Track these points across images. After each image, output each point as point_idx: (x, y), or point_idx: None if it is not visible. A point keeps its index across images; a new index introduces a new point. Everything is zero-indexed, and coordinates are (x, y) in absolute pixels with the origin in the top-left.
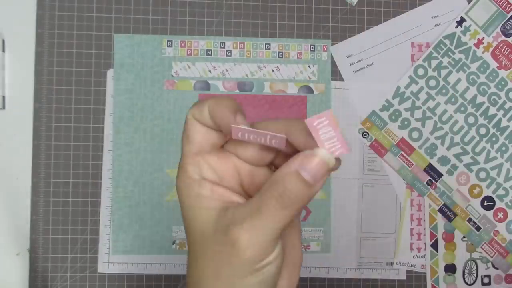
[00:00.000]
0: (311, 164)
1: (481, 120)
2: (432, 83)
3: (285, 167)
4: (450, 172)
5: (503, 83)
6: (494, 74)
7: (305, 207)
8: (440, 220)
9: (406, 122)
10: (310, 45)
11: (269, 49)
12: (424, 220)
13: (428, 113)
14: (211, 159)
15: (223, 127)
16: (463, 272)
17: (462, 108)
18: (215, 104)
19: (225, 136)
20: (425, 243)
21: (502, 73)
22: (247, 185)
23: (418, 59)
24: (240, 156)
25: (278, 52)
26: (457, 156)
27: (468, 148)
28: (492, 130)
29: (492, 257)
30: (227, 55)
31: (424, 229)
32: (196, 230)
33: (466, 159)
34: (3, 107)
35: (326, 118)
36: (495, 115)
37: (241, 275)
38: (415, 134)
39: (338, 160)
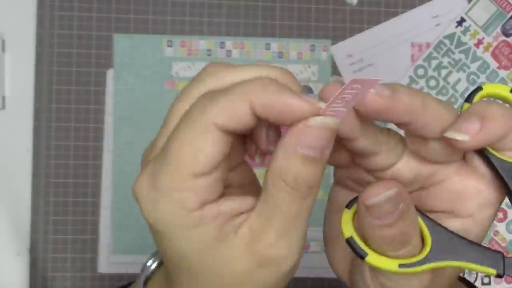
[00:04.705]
0: (309, 137)
1: None
2: (432, 83)
3: (282, 149)
4: None
5: (503, 83)
6: (494, 74)
7: None
8: None
9: None
10: (310, 45)
11: (269, 49)
12: None
13: None
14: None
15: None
16: (463, 272)
17: None
18: (265, 95)
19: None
20: None
21: (502, 73)
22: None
23: (418, 59)
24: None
25: (278, 52)
26: None
27: None
28: None
29: None
30: (227, 55)
31: None
32: (191, 255)
33: None
34: (3, 107)
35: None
36: None
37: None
38: None
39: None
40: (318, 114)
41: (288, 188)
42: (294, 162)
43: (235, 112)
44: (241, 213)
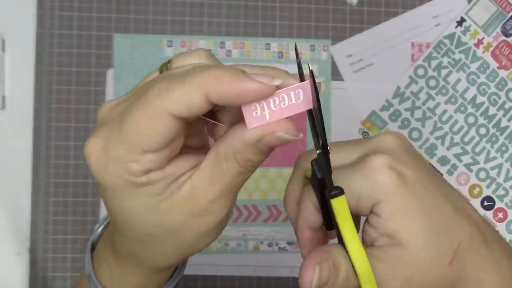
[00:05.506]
0: (272, 139)
1: (481, 120)
2: (432, 83)
3: (241, 135)
4: (450, 172)
5: (503, 83)
6: (494, 74)
7: None
8: None
9: (406, 122)
10: (310, 45)
11: (269, 49)
12: None
13: (428, 113)
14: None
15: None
16: None
17: (462, 108)
18: (218, 83)
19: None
20: None
21: (502, 73)
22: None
23: (418, 59)
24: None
25: (278, 52)
26: (457, 156)
27: (468, 148)
28: (492, 130)
29: None
30: (227, 55)
31: None
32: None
33: (466, 159)
34: (3, 107)
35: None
36: (495, 115)
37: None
38: (415, 134)
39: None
40: (273, 94)
41: (238, 166)
42: (251, 150)
43: (190, 104)
44: (185, 172)
